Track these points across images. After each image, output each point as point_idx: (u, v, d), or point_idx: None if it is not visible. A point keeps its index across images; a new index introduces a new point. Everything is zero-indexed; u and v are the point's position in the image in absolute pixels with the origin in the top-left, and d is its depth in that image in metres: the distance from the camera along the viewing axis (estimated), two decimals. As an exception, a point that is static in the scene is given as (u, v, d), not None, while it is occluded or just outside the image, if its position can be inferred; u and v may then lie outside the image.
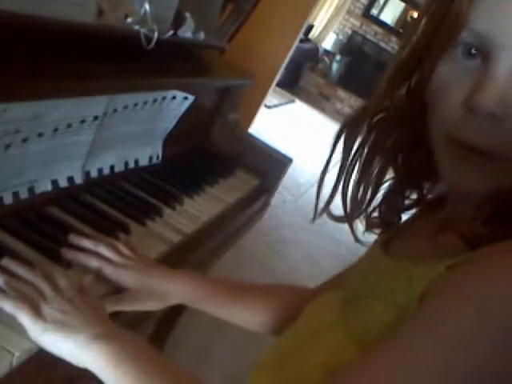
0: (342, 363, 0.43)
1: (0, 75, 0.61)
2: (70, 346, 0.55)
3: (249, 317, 0.75)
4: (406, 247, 0.54)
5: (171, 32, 1.03)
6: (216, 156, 1.26)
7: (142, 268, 0.72)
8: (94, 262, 0.70)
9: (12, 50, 0.67)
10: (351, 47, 7.47)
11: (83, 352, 0.55)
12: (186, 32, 1.13)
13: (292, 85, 7.19)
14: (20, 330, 0.56)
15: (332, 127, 6.20)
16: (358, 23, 7.50)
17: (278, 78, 3.06)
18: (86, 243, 0.73)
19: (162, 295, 0.72)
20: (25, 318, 0.56)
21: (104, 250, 0.72)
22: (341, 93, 7.36)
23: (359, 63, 7.29)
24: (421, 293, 0.42)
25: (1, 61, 0.64)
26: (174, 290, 0.72)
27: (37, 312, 0.56)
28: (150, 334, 1.54)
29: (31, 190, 0.79)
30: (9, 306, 0.57)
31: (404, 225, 0.60)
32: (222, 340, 1.91)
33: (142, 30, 0.91)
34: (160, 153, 1.08)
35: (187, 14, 1.15)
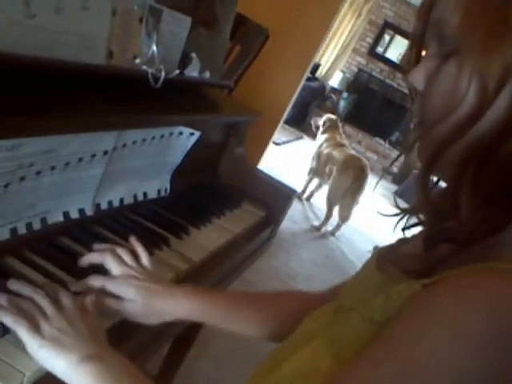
0: (313, 370, 0.46)
1: (16, 111, 0.66)
2: (62, 365, 0.57)
3: (247, 327, 0.77)
4: (393, 264, 0.56)
5: (178, 71, 1.09)
6: (223, 189, 1.29)
7: (143, 282, 0.74)
8: (96, 282, 0.73)
9: (28, 89, 0.72)
10: (358, 84, 7.60)
11: (73, 372, 0.57)
12: (193, 71, 1.19)
13: (300, 122, 7.30)
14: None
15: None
16: (363, 61, 7.66)
17: (285, 115, 3.13)
18: (95, 257, 0.77)
19: (159, 311, 0.73)
20: (23, 333, 0.58)
21: (108, 261, 0.75)
22: (348, 129, 7.45)
23: (366, 100, 7.41)
24: (397, 311, 0.44)
25: (18, 98, 0.69)
26: (173, 308, 0.74)
27: (35, 328, 0.59)
28: (158, 368, 1.55)
29: (44, 220, 0.82)
30: (9, 321, 0.59)
31: (402, 241, 0.62)
32: (232, 374, 1.91)
33: (150, 70, 0.96)
34: (168, 186, 1.11)
35: (193, 55, 1.20)
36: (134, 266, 0.77)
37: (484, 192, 0.45)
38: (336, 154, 3.99)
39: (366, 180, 3.85)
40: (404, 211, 0.58)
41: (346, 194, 3.82)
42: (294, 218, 3.83)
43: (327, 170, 4.04)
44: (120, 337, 0.71)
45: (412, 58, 0.52)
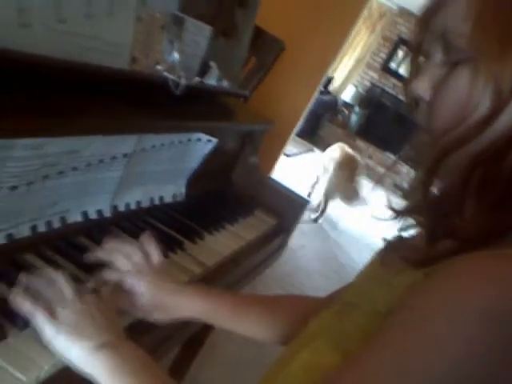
0: (318, 366, 0.46)
1: (42, 112, 0.68)
2: (77, 352, 0.58)
3: (255, 329, 0.78)
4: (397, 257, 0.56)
5: (197, 79, 1.11)
6: (236, 196, 1.31)
7: (153, 280, 0.75)
8: (112, 276, 0.74)
9: (53, 91, 0.74)
10: (370, 99, 7.61)
11: (88, 359, 0.58)
12: (211, 79, 1.21)
13: (311, 135, 7.32)
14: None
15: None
16: (376, 76, 7.68)
17: (297, 127, 3.14)
18: (104, 254, 0.77)
19: (168, 309, 0.74)
20: (39, 321, 0.59)
21: (119, 261, 0.76)
22: (359, 143, 7.46)
23: (378, 115, 7.42)
24: (398, 300, 0.44)
25: (44, 99, 0.71)
26: (181, 305, 0.75)
27: (52, 314, 0.60)
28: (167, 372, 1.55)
29: (63, 219, 0.84)
30: (25, 309, 0.60)
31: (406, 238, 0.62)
32: (238, 380, 1.91)
33: (171, 77, 0.98)
34: (184, 191, 1.13)
35: (212, 64, 1.23)
36: (143, 264, 0.78)
37: (490, 196, 0.45)
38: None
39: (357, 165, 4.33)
40: (401, 213, 0.57)
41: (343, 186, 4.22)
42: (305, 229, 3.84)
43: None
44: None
45: (413, 68, 0.52)
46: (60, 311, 0.61)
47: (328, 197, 4.30)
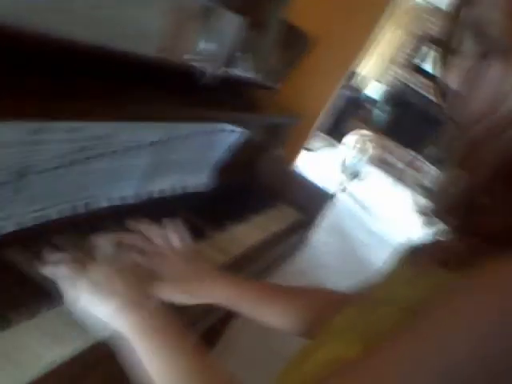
0: (344, 358, 0.46)
1: (76, 97, 0.68)
2: (104, 311, 0.59)
3: (279, 318, 0.77)
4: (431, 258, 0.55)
5: (225, 69, 1.11)
6: (260, 188, 1.31)
7: (180, 265, 0.77)
8: (131, 257, 0.76)
9: (86, 76, 0.74)
10: (395, 96, 7.53)
11: (114, 317, 0.59)
12: (240, 70, 1.21)
13: (334, 131, 7.27)
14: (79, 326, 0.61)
15: (373, 172, 6.20)
16: (401, 72, 7.59)
17: (320, 122, 3.13)
18: (142, 226, 0.80)
19: (193, 293, 0.75)
20: (63, 283, 0.62)
21: (156, 239, 0.79)
22: (382, 139, 7.38)
23: (402, 111, 7.34)
24: (430, 297, 0.44)
25: (77, 84, 0.72)
26: (206, 290, 0.76)
27: (80, 270, 0.62)
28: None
29: (88, 205, 0.85)
30: (51, 270, 0.63)
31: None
32: (252, 377, 1.91)
33: (200, 66, 0.98)
34: (207, 181, 1.13)
35: (241, 54, 1.22)
36: (167, 246, 0.79)
37: None
38: None
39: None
40: (428, 213, 0.56)
41: None
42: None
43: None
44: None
45: (442, 62, 0.52)
46: (92, 268, 0.63)
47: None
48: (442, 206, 0.52)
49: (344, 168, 4.85)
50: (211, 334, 1.50)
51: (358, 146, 4.80)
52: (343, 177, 4.88)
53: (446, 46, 0.52)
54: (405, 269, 0.56)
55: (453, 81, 0.49)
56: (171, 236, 0.82)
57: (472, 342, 0.37)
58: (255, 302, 0.77)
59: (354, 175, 4.92)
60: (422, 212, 0.55)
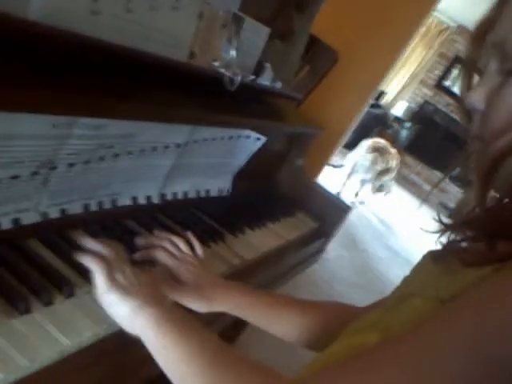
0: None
1: (103, 95, 0.71)
2: (125, 310, 0.62)
3: (286, 329, 0.78)
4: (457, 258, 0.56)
5: (252, 77, 1.13)
6: (279, 196, 1.32)
7: (197, 269, 0.80)
8: (161, 255, 0.80)
9: (116, 76, 0.77)
10: (422, 116, 7.49)
11: (135, 318, 0.62)
12: (265, 80, 1.24)
13: (359, 147, 7.25)
14: (93, 317, 0.64)
15: (396, 192, 6.16)
16: (430, 93, 7.55)
17: (345, 139, 3.13)
18: (154, 240, 0.83)
19: (207, 300, 0.77)
20: (98, 274, 0.65)
21: (168, 246, 0.82)
22: (408, 159, 7.34)
23: (429, 132, 7.28)
24: (464, 288, 0.43)
25: (106, 83, 0.75)
26: (220, 298, 0.78)
27: (110, 274, 0.65)
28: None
29: (114, 201, 0.88)
30: (89, 262, 0.66)
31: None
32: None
33: (227, 73, 1.01)
34: (229, 186, 1.15)
35: (267, 65, 1.25)
36: (190, 253, 0.83)
37: None
38: None
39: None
40: (451, 227, 0.57)
41: None
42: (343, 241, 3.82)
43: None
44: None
45: (467, 81, 0.54)
46: (117, 274, 0.66)
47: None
48: (465, 222, 0.53)
49: (354, 169, 4.83)
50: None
51: (372, 151, 4.80)
52: (359, 187, 4.91)
53: (470, 66, 0.54)
54: (430, 267, 0.56)
55: (478, 99, 0.51)
56: (195, 245, 0.86)
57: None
58: (265, 313, 0.79)
59: (377, 189, 4.91)
60: (443, 228, 0.56)
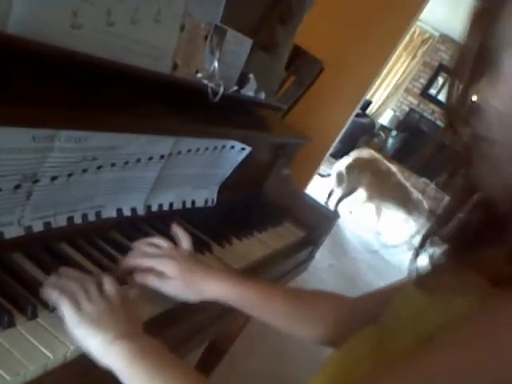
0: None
1: (85, 107, 0.72)
2: (97, 343, 0.60)
3: (279, 318, 0.80)
4: (439, 284, 0.57)
5: (235, 88, 1.14)
6: (266, 205, 1.33)
7: (184, 262, 0.78)
8: (145, 263, 0.78)
9: (97, 89, 0.78)
10: (408, 124, 7.56)
11: (106, 350, 0.59)
12: (249, 90, 1.24)
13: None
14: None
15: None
16: (415, 101, 7.63)
17: (332, 148, 3.15)
18: (132, 256, 0.80)
19: (199, 290, 0.77)
20: (65, 310, 0.62)
21: (146, 249, 0.81)
22: (395, 167, 7.38)
23: (415, 140, 7.35)
24: (461, 316, 0.44)
25: (89, 95, 0.75)
26: (212, 287, 0.78)
27: (77, 307, 0.62)
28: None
29: (98, 214, 0.88)
30: (54, 298, 0.64)
31: (438, 265, 0.62)
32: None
33: (210, 85, 1.01)
34: (215, 197, 1.16)
35: (251, 75, 1.26)
36: (174, 249, 0.81)
37: None
38: None
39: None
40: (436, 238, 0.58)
41: None
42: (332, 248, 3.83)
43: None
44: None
45: (451, 86, 0.52)
46: (85, 305, 0.63)
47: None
48: (453, 230, 0.54)
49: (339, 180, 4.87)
50: (212, 355, 1.51)
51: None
52: (339, 191, 4.93)
53: (459, 73, 0.52)
54: (414, 294, 0.56)
55: (496, 99, 0.48)
56: (180, 239, 0.84)
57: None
58: (258, 301, 0.79)
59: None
60: (427, 236, 0.57)
